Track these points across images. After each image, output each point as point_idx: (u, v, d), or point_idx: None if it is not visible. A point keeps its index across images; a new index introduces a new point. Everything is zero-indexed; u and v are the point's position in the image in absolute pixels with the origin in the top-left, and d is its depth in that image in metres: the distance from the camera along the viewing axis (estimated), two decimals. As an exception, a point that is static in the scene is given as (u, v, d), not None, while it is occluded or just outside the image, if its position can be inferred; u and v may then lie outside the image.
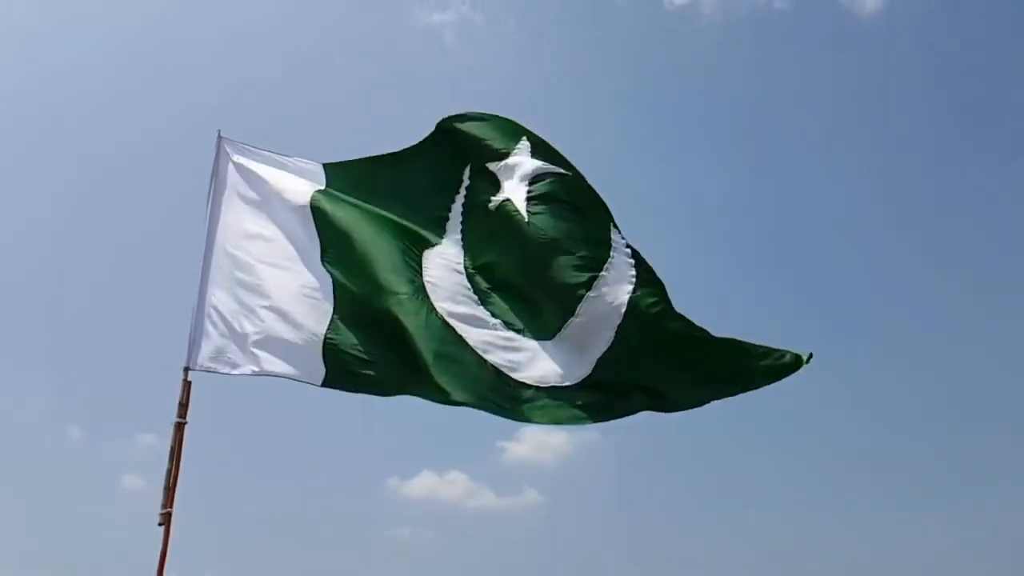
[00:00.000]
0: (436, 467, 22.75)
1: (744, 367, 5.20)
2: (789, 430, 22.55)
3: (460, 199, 5.77)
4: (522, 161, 5.61)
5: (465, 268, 5.62)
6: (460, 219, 5.75)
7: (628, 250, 5.37)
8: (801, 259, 27.77)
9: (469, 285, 5.55)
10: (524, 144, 5.66)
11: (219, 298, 5.68)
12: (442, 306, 5.41)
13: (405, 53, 27.38)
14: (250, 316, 5.62)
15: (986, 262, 26.58)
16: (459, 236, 5.72)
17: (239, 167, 5.95)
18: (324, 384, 5.50)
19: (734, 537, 20.77)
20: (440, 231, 5.74)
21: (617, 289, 5.28)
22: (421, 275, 5.53)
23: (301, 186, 5.86)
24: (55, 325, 22.89)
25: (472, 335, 5.35)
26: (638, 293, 5.25)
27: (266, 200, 5.91)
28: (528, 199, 5.50)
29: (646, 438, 23.07)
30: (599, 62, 28.25)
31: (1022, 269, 25.84)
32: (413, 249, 5.64)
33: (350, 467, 22.69)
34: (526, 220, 5.47)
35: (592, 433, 23.65)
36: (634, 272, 5.31)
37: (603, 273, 5.32)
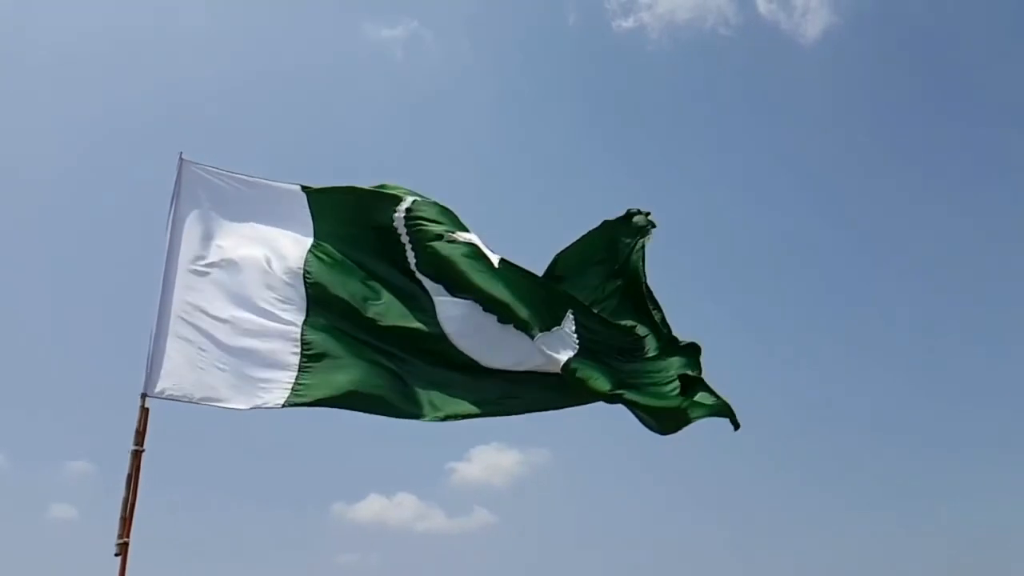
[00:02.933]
0: (384, 490, 22.53)
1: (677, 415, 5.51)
2: (743, 442, 22.88)
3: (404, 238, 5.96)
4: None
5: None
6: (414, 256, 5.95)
7: (575, 334, 5.64)
8: (737, 278, 28.49)
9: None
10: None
11: (178, 324, 5.54)
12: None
13: (354, 68, 27.41)
14: (210, 343, 5.52)
15: (935, 282, 27.71)
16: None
17: (205, 190, 5.88)
18: (285, 405, 5.42)
19: (684, 553, 21.01)
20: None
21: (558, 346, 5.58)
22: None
23: (288, 236, 5.95)
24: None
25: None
26: (573, 365, 5.50)
27: (236, 225, 5.88)
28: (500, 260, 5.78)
29: (597, 457, 23.28)
30: (548, 82, 28.67)
31: (972, 287, 26.96)
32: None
33: (292, 492, 22.22)
34: (495, 265, 5.72)
35: (543, 452, 23.73)
36: (577, 345, 5.57)
37: (550, 331, 5.63)
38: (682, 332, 5.78)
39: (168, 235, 5.72)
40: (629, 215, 6.00)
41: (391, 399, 5.52)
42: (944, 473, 23.33)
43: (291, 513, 21.33)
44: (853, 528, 22.13)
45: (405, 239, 5.93)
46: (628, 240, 5.94)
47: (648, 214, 6.00)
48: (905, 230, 28.61)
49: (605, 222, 6.06)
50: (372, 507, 22.86)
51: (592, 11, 27.70)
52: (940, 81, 28.46)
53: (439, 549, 22.16)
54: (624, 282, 5.88)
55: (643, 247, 5.89)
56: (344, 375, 5.51)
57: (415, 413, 5.52)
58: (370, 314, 5.73)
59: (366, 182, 6.18)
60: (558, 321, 5.61)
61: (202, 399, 5.40)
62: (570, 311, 5.63)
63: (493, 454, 23.92)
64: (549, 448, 23.23)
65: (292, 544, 20.78)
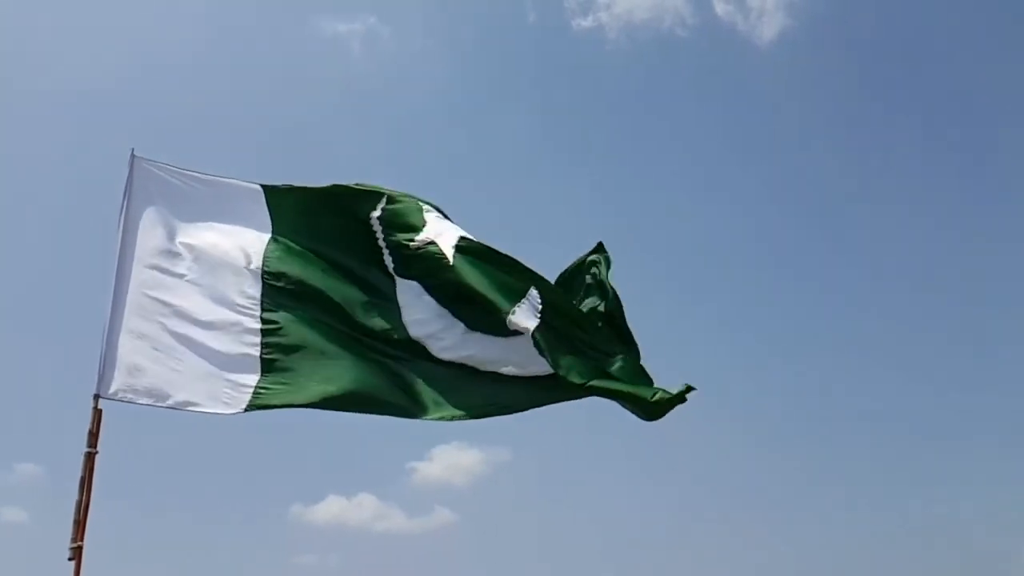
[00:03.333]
0: (343, 491, 22.38)
1: (639, 403, 5.48)
2: (712, 439, 23.08)
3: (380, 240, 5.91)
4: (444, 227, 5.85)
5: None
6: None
7: (539, 306, 5.59)
8: (692, 276, 28.93)
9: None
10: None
11: (131, 323, 5.42)
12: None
13: (310, 61, 27.17)
14: (166, 343, 5.42)
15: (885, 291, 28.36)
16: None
17: (158, 188, 5.77)
18: (247, 409, 5.32)
19: (649, 551, 21.19)
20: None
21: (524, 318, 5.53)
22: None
23: (245, 234, 5.85)
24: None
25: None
26: (559, 367, 5.45)
27: (193, 223, 5.78)
28: (455, 248, 5.69)
29: (558, 455, 23.39)
30: (506, 80, 28.73)
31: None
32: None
33: (250, 494, 21.94)
34: (451, 263, 5.65)
35: (504, 451, 23.76)
36: (538, 318, 5.53)
37: (515, 307, 5.56)
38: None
39: (120, 233, 5.58)
40: (590, 252, 5.96)
41: (390, 398, 5.47)
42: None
43: (249, 515, 21.10)
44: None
45: (382, 243, 5.87)
46: (591, 270, 5.92)
47: (599, 251, 5.93)
48: (865, 227, 29.27)
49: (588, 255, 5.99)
50: (331, 508, 22.71)
51: (551, 10, 27.87)
52: (891, 83, 29.23)
53: (399, 549, 22.11)
54: (593, 304, 5.83)
55: (601, 274, 5.85)
56: (334, 374, 5.45)
57: (414, 413, 5.47)
58: (357, 313, 5.68)
59: (320, 177, 6.12)
60: (522, 295, 5.61)
61: (158, 401, 5.29)
62: (533, 287, 5.62)
63: (454, 453, 23.93)
64: (510, 447, 23.31)
65: (250, 546, 20.60)
